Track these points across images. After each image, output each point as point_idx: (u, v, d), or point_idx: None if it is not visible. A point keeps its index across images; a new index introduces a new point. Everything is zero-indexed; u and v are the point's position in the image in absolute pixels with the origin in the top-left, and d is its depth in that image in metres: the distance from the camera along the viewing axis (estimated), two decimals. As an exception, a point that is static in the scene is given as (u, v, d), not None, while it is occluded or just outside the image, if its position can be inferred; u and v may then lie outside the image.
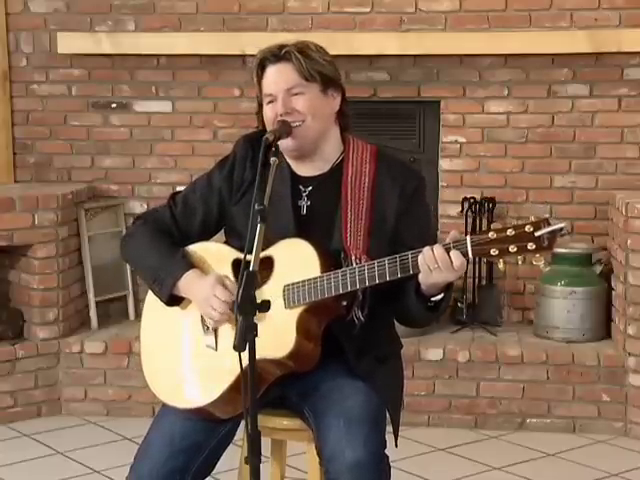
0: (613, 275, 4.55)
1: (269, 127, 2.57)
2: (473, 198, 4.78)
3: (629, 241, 4.30)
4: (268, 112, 2.58)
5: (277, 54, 2.57)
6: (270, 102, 2.57)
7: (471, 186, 4.85)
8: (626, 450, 4.20)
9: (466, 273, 4.75)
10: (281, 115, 2.53)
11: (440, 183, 4.90)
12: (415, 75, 4.84)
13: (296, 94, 2.55)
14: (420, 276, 2.34)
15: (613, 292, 4.53)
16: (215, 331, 2.55)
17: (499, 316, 4.83)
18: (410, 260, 2.33)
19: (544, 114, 4.79)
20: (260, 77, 2.60)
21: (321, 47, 2.62)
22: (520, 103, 4.80)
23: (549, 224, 2.21)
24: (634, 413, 4.33)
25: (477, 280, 4.78)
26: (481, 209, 4.75)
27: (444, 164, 4.89)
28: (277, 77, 2.56)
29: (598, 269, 4.61)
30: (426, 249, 2.30)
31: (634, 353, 4.31)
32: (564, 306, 4.55)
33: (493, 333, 4.66)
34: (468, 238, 2.27)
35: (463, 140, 4.85)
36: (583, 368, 4.38)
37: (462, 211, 4.78)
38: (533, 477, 3.91)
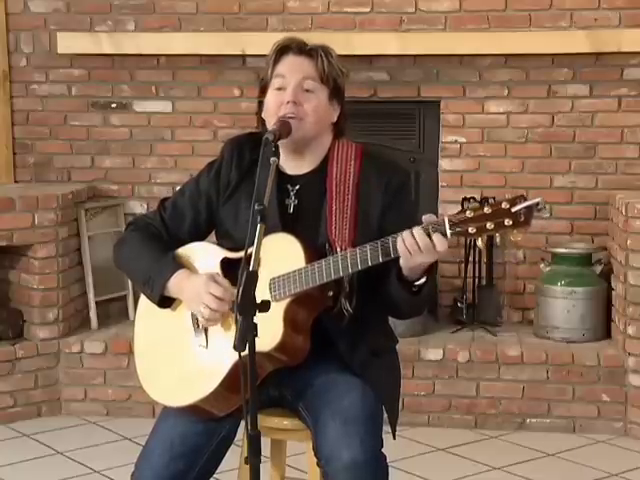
0: (613, 275, 4.55)
1: (268, 116, 2.57)
2: (473, 198, 4.77)
3: (629, 241, 4.30)
4: (272, 99, 2.57)
5: (302, 47, 2.57)
6: (278, 89, 2.56)
7: (471, 186, 4.85)
8: (626, 450, 4.20)
9: (466, 273, 4.76)
10: (288, 102, 2.52)
11: (440, 183, 4.90)
12: (415, 75, 4.84)
13: (307, 90, 2.55)
14: (401, 260, 2.34)
15: (613, 292, 4.53)
16: (205, 330, 2.55)
17: (499, 316, 4.83)
18: (391, 244, 2.33)
19: (544, 114, 4.79)
20: (276, 61, 2.58)
21: (339, 58, 2.63)
22: (520, 103, 4.80)
23: (525, 199, 2.23)
24: (634, 413, 4.33)
25: (477, 280, 4.78)
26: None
27: (444, 164, 4.89)
28: (295, 65, 2.56)
29: (598, 269, 4.62)
30: (405, 233, 2.30)
31: (634, 353, 4.31)
32: (564, 306, 4.55)
33: (493, 333, 4.66)
34: (446, 218, 2.28)
35: (463, 140, 4.85)
36: (583, 368, 4.38)
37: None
38: (533, 477, 3.91)
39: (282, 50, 2.58)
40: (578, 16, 4.71)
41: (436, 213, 4.86)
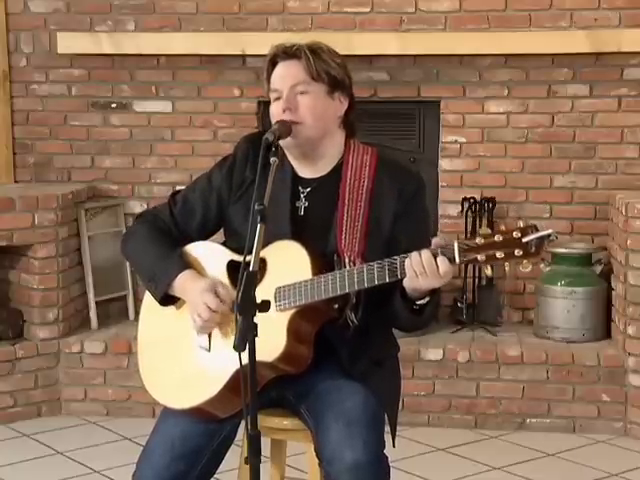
0: (613, 275, 4.55)
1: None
2: (473, 198, 4.78)
3: (629, 241, 4.30)
4: (274, 109, 2.58)
5: (288, 51, 2.57)
6: (277, 99, 2.57)
7: (471, 186, 4.85)
8: (626, 450, 4.20)
9: (466, 273, 4.76)
10: (284, 110, 2.53)
11: (440, 183, 4.90)
12: (415, 75, 4.84)
13: (301, 92, 2.55)
14: (405, 280, 2.33)
15: (613, 292, 4.53)
16: (202, 333, 2.55)
17: (499, 316, 4.83)
18: (399, 264, 2.32)
19: (544, 114, 4.79)
20: (270, 74, 2.60)
21: (334, 50, 2.62)
22: (520, 103, 4.80)
23: (537, 230, 2.20)
24: (634, 413, 4.33)
25: (477, 280, 4.78)
26: (481, 209, 4.75)
27: (444, 164, 4.89)
28: (284, 73, 2.57)
29: (598, 269, 4.62)
30: (414, 254, 2.29)
31: (634, 353, 4.31)
32: (564, 306, 4.55)
33: (493, 333, 4.66)
34: (455, 244, 2.26)
35: (463, 140, 4.85)
36: (583, 368, 4.38)
37: (462, 211, 4.78)
38: (533, 477, 3.91)
39: (272, 61, 2.60)
40: (578, 16, 4.71)
41: (436, 213, 4.91)
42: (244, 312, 2.19)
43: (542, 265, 4.67)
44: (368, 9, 4.82)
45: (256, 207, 2.26)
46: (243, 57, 4.85)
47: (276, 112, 2.56)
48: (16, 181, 5.10)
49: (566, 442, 4.27)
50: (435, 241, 2.30)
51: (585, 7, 4.70)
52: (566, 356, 4.41)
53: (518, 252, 2.20)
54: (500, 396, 4.44)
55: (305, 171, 2.62)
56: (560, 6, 4.72)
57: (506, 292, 4.89)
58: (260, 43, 4.75)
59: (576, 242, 4.76)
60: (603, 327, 4.59)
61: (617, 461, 4.06)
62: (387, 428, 2.57)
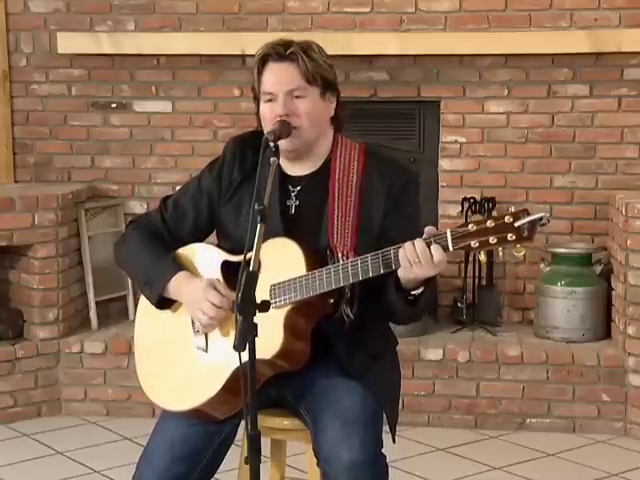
0: (613, 275, 4.55)
1: (265, 126, 2.55)
2: (473, 198, 4.78)
3: (629, 241, 4.30)
4: (266, 111, 2.56)
5: (281, 53, 2.54)
6: (269, 101, 2.55)
7: (471, 186, 4.85)
8: (626, 450, 4.20)
9: (466, 273, 4.76)
10: (280, 116, 2.51)
11: (440, 183, 4.90)
12: (415, 75, 4.84)
13: (297, 97, 2.53)
14: (400, 271, 2.33)
15: (613, 292, 4.53)
16: (206, 334, 2.55)
17: (499, 316, 4.83)
18: (392, 256, 2.32)
19: (544, 114, 4.79)
20: (260, 72, 2.57)
21: (321, 48, 2.60)
22: (520, 103, 4.80)
23: (528, 214, 2.20)
24: (634, 413, 4.33)
25: (477, 280, 4.78)
26: (481, 209, 4.75)
27: (444, 164, 4.89)
28: (279, 77, 2.54)
29: (598, 269, 4.62)
30: (407, 243, 2.29)
31: (634, 353, 4.31)
32: (564, 306, 4.55)
33: (493, 333, 4.66)
34: (448, 231, 2.26)
35: (463, 140, 4.85)
36: (583, 368, 4.38)
37: (462, 211, 4.78)
38: (533, 477, 3.91)
39: (263, 60, 2.56)
40: (578, 16, 4.71)
41: (436, 213, 4.91)
42: (244, 312, 2.19)
43: (542, 265, 4.67)
44: (368, 9, 4.82)
45: (256, 207, 2.26)
46: (243, 57, 4.85)
47: (270, 115, 2.54)
48: (16, 181, 5.10)
49: (566, 442, 4.28)
50: (428, 230, 2.31)
51: (585, 7, 4.70)
52: (566, 356, 4.41)
53: (511, 237, 2.21)
54: (500, 396, 4.44)
55: (293, 169, 2.62)
56: (560, 6, 4.72)
57: (506, 292, 4.89)
58: (260, 43, 4.70)
59: (576, 242, 4.77)
60: (603, 327, 4.59)
61: (617, 461, 4.06)
62: (386, 428, 2.57)
